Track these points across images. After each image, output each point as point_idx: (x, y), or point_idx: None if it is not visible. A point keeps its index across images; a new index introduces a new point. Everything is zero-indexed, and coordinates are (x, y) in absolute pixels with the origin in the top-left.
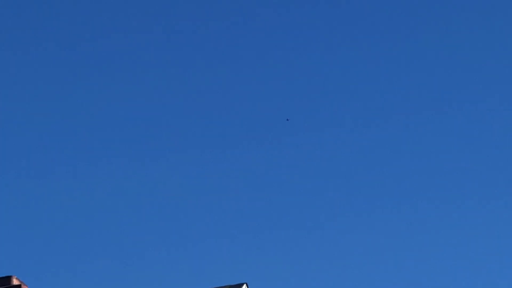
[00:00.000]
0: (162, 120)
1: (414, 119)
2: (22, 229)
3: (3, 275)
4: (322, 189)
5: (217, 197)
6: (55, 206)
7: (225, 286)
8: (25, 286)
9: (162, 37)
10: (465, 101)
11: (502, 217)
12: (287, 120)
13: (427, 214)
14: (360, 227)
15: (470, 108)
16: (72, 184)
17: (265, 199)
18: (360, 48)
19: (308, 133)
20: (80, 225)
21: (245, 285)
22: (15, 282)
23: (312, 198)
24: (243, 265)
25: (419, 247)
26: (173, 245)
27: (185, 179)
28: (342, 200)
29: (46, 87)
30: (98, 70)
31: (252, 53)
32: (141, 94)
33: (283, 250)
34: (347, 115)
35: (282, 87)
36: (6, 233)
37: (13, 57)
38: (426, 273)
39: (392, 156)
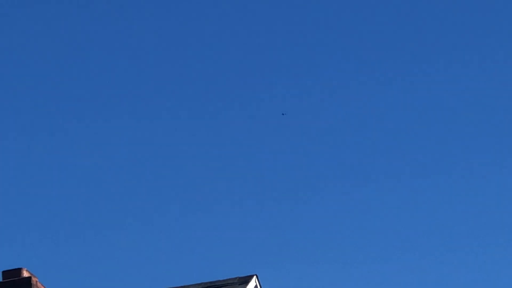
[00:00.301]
0: (162, 119)
1: (416, 118)
2: (32, 222)
3: (13, 267)
4: (333, 183)
5: (224, 189)
6: (64, 200)
7: (234, 278)
8: (35, 278)
9: (160, 36)
10: (466, 100)
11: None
12: (283, 114)
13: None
14: (371, 222)
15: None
16: (80, 181)
17: (274, 192)
18: (360, 46)
19: (309, 128)
20: (90, 220)
21: (255, 277)
22: (25, 274)
23: (323, 191)
24: (253, 257)
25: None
26: (182, 237)
27: (192, 173)
28: (353, 195)
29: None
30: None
31: (250, 52)
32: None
33: (293, 242)
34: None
35: (280, 86)
36: (16, 226)
37: (12, 56)
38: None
39: (393, 155)
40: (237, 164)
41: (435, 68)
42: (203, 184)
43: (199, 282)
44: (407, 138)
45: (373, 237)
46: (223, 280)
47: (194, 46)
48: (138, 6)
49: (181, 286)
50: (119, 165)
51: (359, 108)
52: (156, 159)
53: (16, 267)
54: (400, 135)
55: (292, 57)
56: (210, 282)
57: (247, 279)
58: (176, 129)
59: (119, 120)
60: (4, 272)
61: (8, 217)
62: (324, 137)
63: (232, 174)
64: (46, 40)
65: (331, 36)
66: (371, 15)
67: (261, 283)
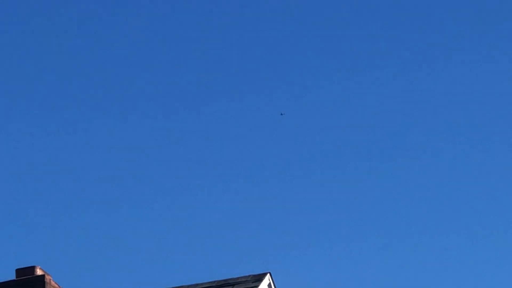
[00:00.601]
0: (163, 120)
1: (416, 118)
2: (45, 219)
3: (27, 266)
4: (335, 182)
5: (233, 188)
6: (74, 198)
7: (247, 275)
8: (48, 276)
9: (159, 36)
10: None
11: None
12: (282, 114)
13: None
14: (387, 221)
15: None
16: (88, 179)
17: (286, 189)
18: (360, 47)
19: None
20: (100, 217)
21: (268, 274)
22: (38, 272)
23: (337, 188)
24: (266, 254)
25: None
26: (194, 234)
27: (200, 170)
28: (358, 194)
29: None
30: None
31: (249, 51)
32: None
33: (307, 239)
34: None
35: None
36: (29, 224)
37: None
38: None
39: (394, 155)
40: (242, 162)
41: (436, 68)
42: (213, 182)
43: (211, 280)
44: (408, 138)
45: (384, 235)
46: (236, 278)
47: (192, 45)
48: (137, 5)
49: (194, 284)
50: (125, 161)
51: (358, 108)
52: (164, 157)
53: (29, 265)
54: (400, 135)
55: (292, 57)
56: (223, 280)
57: (260, 277)
58: (179, 128)
59: (122, 124)
60: (17, 270)
61: (20, 215)
62: (324, 137)
63: (238, 173)
64: (45, 39)
65: (331, 36)
66: (372, 14)
67: (275, 281)
